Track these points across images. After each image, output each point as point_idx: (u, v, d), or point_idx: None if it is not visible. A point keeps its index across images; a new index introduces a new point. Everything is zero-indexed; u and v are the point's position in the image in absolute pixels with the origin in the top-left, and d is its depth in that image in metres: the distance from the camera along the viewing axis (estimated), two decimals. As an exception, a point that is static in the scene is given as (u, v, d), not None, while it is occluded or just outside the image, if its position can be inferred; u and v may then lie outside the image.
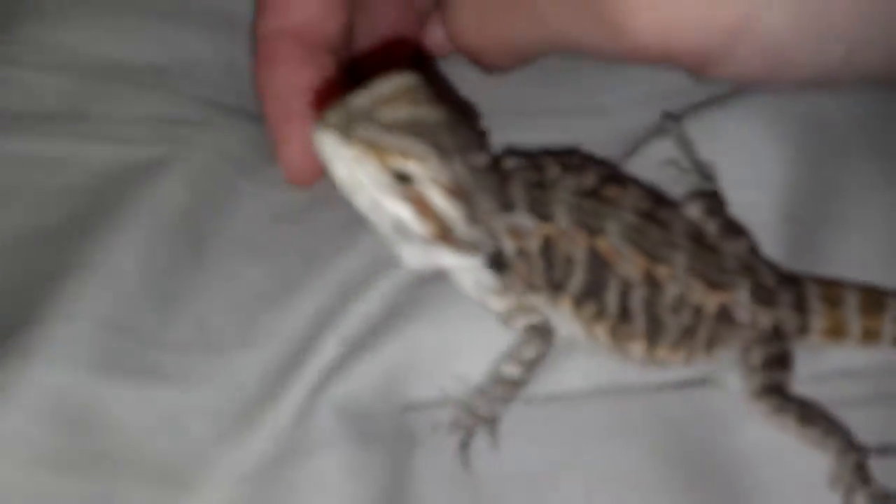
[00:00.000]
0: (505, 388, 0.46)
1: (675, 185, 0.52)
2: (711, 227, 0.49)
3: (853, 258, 0.50)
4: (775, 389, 0.46)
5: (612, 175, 0.51)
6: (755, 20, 0.45)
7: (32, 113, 0.56)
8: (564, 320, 0.47)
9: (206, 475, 0.44)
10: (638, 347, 0.47)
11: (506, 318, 0.47)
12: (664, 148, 0.53)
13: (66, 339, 0.44)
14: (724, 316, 0.47)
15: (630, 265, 0.46)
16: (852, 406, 0.46)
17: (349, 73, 0.56)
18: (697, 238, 0.48)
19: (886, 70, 0.48)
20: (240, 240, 0.52)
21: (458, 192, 0.43)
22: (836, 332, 0.48)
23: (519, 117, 0.57)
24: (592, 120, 0.57)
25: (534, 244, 0.46)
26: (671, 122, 0.54)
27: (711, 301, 0.47)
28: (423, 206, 0.43)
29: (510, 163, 0.48)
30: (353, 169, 0.43)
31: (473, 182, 0.44)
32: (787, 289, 0.48)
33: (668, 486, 0.44)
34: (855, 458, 0.44)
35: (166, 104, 0.57)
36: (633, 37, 0.46)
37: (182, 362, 0.46)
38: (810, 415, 0.45)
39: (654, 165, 0.53)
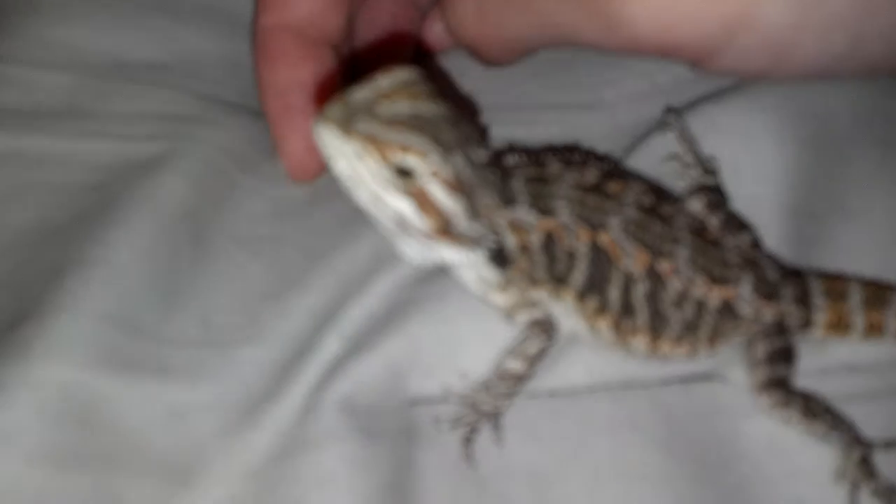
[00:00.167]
0: (508, 384, 0.46)
1: (677, 179, 0.52)
2: (714, 222, 0.49)
3: (856, 250, 0.50)
4: (779, 383, 0.46)
5: (614, 170, 0.51)
6: (756, 11, 0.45)
7: (33, 110, 0.56)
8: (567, 315, 0.47)
9: (210, 470, 0.44)
10: (641, 342, 0.47)
11: (508, 314, 0.47)
12: (666, 142, 0.53)
13: (68, 334, 0.44)
14: (727, 310, 0.47)
15: (632, 260, 0.46)
16: (857, 400, 0.46)
17: (349, 68, 0.55)
18: (700, 232, 0.47)
19: (890, 61, 0.47)
20: (241, 236, 0.52)
21: (459, 187, 0.43)
22: (840, 326, 0.48)
23: (520, 112, 0.57)
24: (593, 115, 0.57)
25: (535, 239, 0.46)
26: (673, 116, 0.53)
27: (714, 295, 0.46)
28: (423, 201, 0.43)
29: (511, 158, 0.48)
30: (354, 163, 0.42)
31: (474, 177, 0.44)
32: (791, 283, 0.48)
33: (672, 480, 0.44)
34: (860, 452, 0.44)
35: (167, 101, 0.57)
36: (630, 28, 0.46)
37: (185, 358, 0.46)
38: (815, 409, 0.45)
39: (655, 160, 0.53)
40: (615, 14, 0.46)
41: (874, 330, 0.48)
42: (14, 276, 0.49)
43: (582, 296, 0.46)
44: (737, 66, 0.48)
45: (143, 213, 0.50)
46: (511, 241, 0.46)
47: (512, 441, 0.46)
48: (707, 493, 0.44)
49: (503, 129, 0.53)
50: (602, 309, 0.46)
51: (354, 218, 0.47)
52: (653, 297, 0.46)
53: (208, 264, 0.50)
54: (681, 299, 0.46)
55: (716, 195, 0.50)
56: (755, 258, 0.48)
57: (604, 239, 0.46)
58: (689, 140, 0.53)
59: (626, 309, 0.46)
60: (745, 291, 0.47)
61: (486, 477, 0.45)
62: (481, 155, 0.45)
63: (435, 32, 0.60)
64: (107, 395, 0.44)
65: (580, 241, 0.46)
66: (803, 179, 0.52)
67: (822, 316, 0.48)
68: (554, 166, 0.47)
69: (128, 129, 0.55)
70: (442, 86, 0.49)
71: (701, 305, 0.46)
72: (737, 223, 0.49)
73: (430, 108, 0.43)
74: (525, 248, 0.46)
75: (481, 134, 0.46)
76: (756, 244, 0.49)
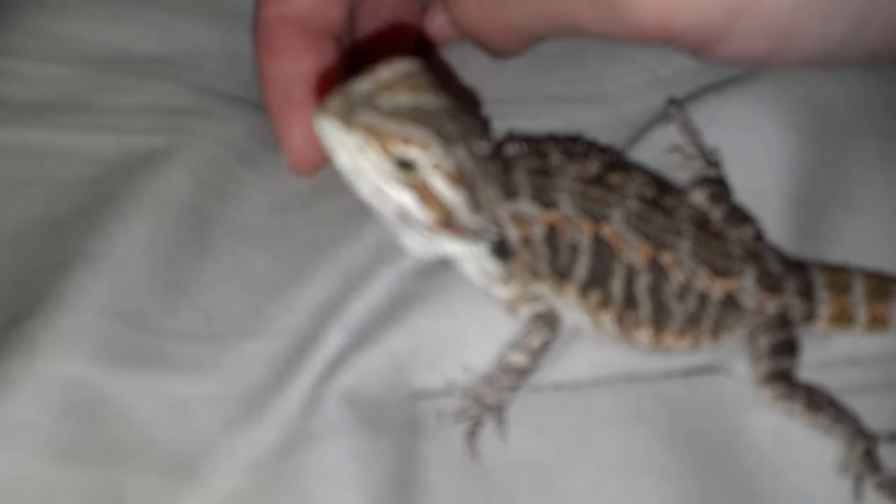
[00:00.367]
0: (511, 377, 0.46)
1: (679, 171, 0.52)
2: (717, 214, 0.49)
3: (859, 240, 0.50)
4: (782, 376, 0.46)
5: (616, 162, 0.51)
6: None
7: (34, 104, 0.56)
8: (570, 308, 0.47)
9: (214, 464, 0.44)
10: (644, 334, 0.46)
11: (511, 307, 0.47)
12: (668, 134, 0.53)
13: (73, 329, 0.44)
14: (730, 302, 0.47)
15: (635, 252, 0.46)
16: (860, 393, 0.46)
17: (351, 60, 0.55)
18: (702, 224, 0.47)
19: (891, 47, 0.47)
20: (244, 229, 0.51)
21: (460, 179, 0.43)
22: (843, 318, 0.48)
23: (521, 105, 0.56)
24: (596, 107, 0.56)
25: (538, 231, 0.46)
26: (675, 108, 0.53)
27: (717, 288, 0.46)
28: (425, 193, 0.43)
29: (513, 150, 0.47)
30: (355, 156, 0.42)
31: (476, 169, 0.44)
32: (794, 275, 0.48)
33: (676, 473, 0.44)
34: (864, 444, 0.44)
35: (169, 94, 0.57)
36: (632, 15, 0.46)
37: (189, 352, 0.46)
38: (818, 401, 0.45)
39: (658, 152, 0.53)
40: (618, 1, 0.46)
41: (877, 322, 0.48)
42: (17, 270, 0.49)
43: (584, 290, 0.46)
44: (739, 54, 0.48)
45: (145, 206, 0.50)
46: (513, 234, 0.46)
47: (516, 434, 0.45)
48: (711, 485, 0.44)
49: (505, 122, 0.53)
50: (605, 302, 0.46)
51: (357, 211, 0.47)
52: (655, 290, 0.46)
53: (211, 257, 0.50)
54: (684, 292, 0.46)
55: (718, 187, 0.50)
56: (758, 250, 0.48)
57: (606, 231, 0.46)
58: (691, 132, 0.52)
59: (629, 302, 0.46)
60: (748, 284, 0.47)
61: (490, 470, 0.45)
62: (483, 147, 0.45)
63: (436, 24, 0.59)
64: (111, 389, 0.44)
65: (583, 234, 0.46)
66: (806, 170, 0.51)
67: (825, 308, 0.48)
68: (556, 158, 0.47)
69: (129, 122, 0.55)
70: (443, 78, 0.49)
71: (704, 298, 0.46)
72: (740, 215, 0.49)
73: (431, 100, 0.43)
74: (527, 241, 0.46)
75: (483, 126, 0.46)
76: (759, 236, 0.49)
